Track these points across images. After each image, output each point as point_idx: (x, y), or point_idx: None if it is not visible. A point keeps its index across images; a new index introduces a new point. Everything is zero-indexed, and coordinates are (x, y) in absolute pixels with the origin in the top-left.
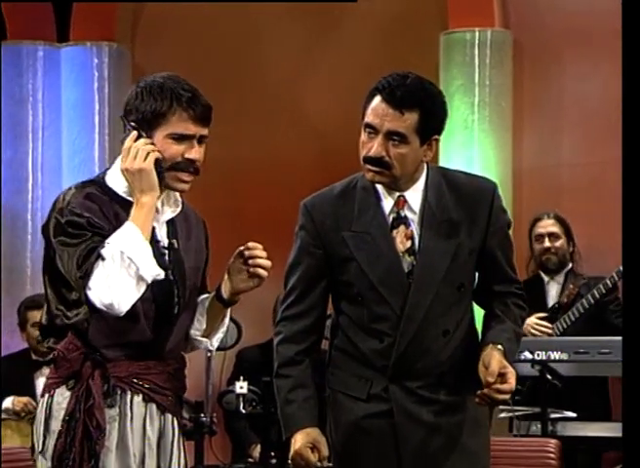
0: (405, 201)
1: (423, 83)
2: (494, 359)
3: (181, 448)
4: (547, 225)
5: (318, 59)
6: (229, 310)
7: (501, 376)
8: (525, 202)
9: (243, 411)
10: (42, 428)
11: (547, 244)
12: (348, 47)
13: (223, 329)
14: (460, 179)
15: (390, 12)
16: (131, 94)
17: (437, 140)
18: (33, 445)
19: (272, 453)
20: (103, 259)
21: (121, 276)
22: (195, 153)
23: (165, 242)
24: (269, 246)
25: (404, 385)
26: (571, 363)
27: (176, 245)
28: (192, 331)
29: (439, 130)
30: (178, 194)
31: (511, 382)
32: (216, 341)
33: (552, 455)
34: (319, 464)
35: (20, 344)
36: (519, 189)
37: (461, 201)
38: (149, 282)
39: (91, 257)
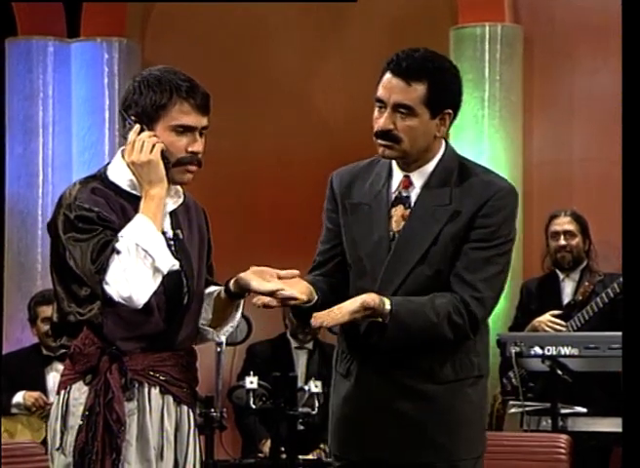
0: (410, 182)
1: (434, 56)
2: (359, 299)
3: (197, 440)
4: (563, 223)
5: (328, 56)
6: (242, 305)
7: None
8: (535, 197)
9: (253, 406)
10: (59, 424)
11: (563, 242)
12: (358, 43)
13: (233, 323)
14: (475, 172)
15: (400, 7)
16: (128, 88)
17: (450, 115)
18: (45, 440)
19: (282, 448)
20: (119, 253)
21: (138, 268)
22: (198, 146)
23: (170, 233)
24: (279, 240)
25: (375, 363)
26: (581, 358)
27: (180, 235)
28: (199, 322)
29: (452, 104)
30: (178, 185)
31: (328, 314)
32: (223, 334)
33: (563, 451)
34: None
35: (31, 339)
36: (529, 184)
37: (464, 191)
38: (165, 273)
39: (105, 252)
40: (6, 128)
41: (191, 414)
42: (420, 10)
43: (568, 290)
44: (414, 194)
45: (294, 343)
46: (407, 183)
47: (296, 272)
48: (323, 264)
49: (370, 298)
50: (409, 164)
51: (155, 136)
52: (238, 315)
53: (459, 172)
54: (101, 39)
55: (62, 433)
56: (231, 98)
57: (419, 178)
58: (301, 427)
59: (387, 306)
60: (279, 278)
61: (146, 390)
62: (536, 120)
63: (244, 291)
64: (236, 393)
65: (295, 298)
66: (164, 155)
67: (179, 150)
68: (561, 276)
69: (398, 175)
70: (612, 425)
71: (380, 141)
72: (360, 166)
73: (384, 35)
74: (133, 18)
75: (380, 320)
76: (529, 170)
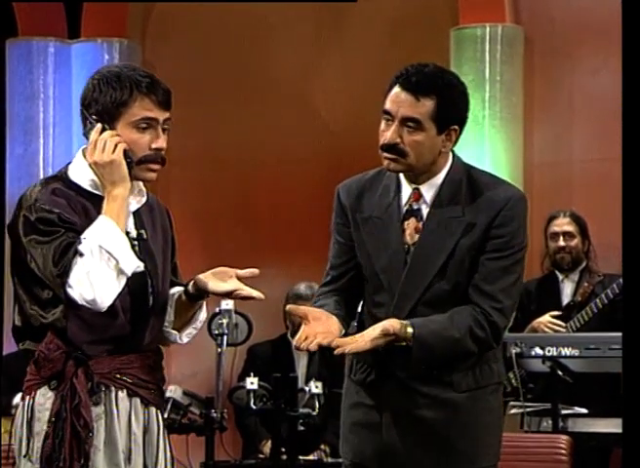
0: (420, 195)
1: (443, 72)
2: (379, 326)
3: (167, 441)
4: (562, 224)
5: (328, 56)
6: (204, 306)
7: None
8: (536, 198)
9: (254, 407)
10: (25, 431)
11: (562, 243)
12: (358, 43)
13: (196, 324)
14: (483, 182)
15: (401, 8)
16: (87, 87)
17: (456, 131)
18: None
19: (283, 449)
20: (82, 255)
21: (102, 271)
22: (162, 142)
23: (134, 233)
24: (279, 242)
25: (394, 374)
26: (582, 359)
27: (144, 235)
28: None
29: (459, 120)
30: (141, 184)
31: (352, 341)
32: (186, 337)
33: (563, 451)
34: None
35: None
36: (530, 185)
37: (475, 202)
38: (129, 275)
39: (68, 254)
40: (6, 128)
41: (160, 416)
42: (421, 10)
43: (567, 290)
44: (424, 207)
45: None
46: (417, 196)
47: (255, 271)
48: (337, 279)
49: (389, 325)
50: (417, 176)
51: (117, 135)
52: (201, 317)
53: (467, 182)
54: (102, 40)
55: (29, 439)
56: (231, 98)
57: (428, 191)
58: (302, 428)
59: (409, 329)
60: (238, 278)
61: (113, 394)
62: (536, 120)
63: (202, 292)
64: (237, 394)
65: (253, 297)
66: (126, 154)
67: (142, 148)
68: (560, 277)
69: (407, 188)
70: (612, 426)
71: (385, 155)
72: (366, 178)
73: (385, 36)
74: (133, 18)
75: (404, 343)
76: (529, 170)
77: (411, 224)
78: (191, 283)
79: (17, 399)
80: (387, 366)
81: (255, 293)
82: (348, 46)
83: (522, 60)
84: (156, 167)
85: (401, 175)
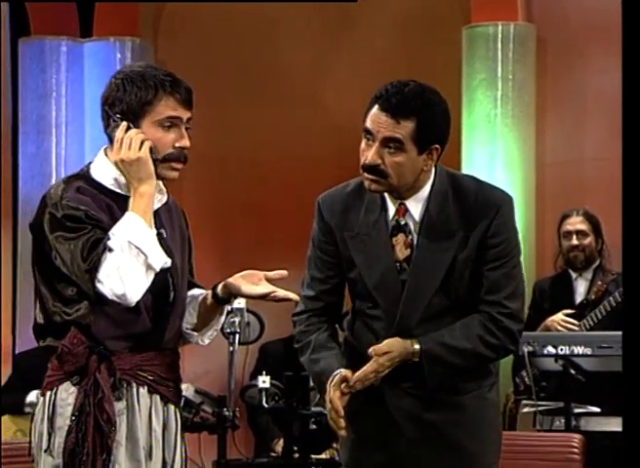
0: (406, 209)
1: (423, 91)
2: (388, 343)
3: (183, 440)
4: (575, 223)
5: (339, 55)
6: (225, 309)
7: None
8: (548, 196)
9: (266, 406)
10: (46, 426)
11: (575, 242)
12: (369, 42)
13: (218, 326)
14: (468, 189)
15: (412, 5)
16: (110, 86)
17: (438, 150)
18: (30, 442)
19: (295, 448)
20: (111, 251)
21: (131, 266)
22: (186, 141)
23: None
24: (290, 241)
25: (397, 384)
26: (595, 357)
27: (164, 234)
28: (183, 324)
29: (440, 139)
30: (161, 183)
31: (368, 367)
32: (207, 338)
33: (576, 450)
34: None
35: None
36: (542, 184)
37: (465, 212)
38: (158, 270)
39: (96, 249)
40: (19, 127)
41: (178, 414)
42: (432, 9)
43: (581, 289)
44: (411, 221)
45: None
46: (403, 211)
47: (284, 272)
48: (324, 294)
49: (390, 346)
50: (400, 193)
51: (142, 133)
52: (222, 319)
53: (453, 192)
54: (114, 39)
55: (50, 434)
56: (242, 97)
57: (415, 206)
58: (314, 426)
59: (416, 345)
60: (267, 279)
61: (135, 390)
62: (548, 119)
63: (232, 295)
64: (249, 392)
65: (290, 299)
66: (152, 152)
67: (166, 146)
68: (574, 275)
69: (392, 203)
70: None
71: (366, 175)
72: (348, 192)
73: (396, 35)
74: (145, 17)
75: (417, 360)
76: (542, 169)
77: (400, 240)
78: (220, 286)
79: (30, 397)
80: (390, 377)
81: (291, 295)
82: (359, 44)
83: (534, 59)
84: (179, 165)
85: None
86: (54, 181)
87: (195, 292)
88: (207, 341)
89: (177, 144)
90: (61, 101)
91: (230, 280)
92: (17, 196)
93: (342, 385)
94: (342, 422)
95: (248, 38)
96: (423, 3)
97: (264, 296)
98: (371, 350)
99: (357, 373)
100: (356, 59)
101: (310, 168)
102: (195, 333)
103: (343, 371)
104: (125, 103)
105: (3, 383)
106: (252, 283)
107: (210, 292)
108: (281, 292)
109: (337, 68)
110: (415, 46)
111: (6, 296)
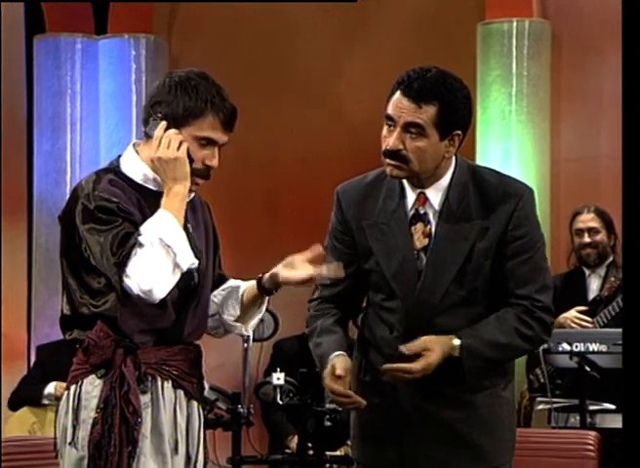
0: (426, 198)
1: (445, 76)
2: (426, 341)
3: (205, 436)
4: (587, 220)
5: (354, 54)
6: (267, 298)
7: (417, 356)
8: (563, 193)
9: (280, 403)
10: (70, 418)
11: (587, 239)
12: (384, 40)
13: (260, 316)
14: (489, 181)
15: (426, 3)
16: (162, 86)
17: (459, 136)
18: (55, 436)
19: (309, 444)
20: (142, 246)
21: (160, 263)
22: (216, 162)
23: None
24: (304, 236)
25: (410, 381)
26: (609, 354)
27: (190, 230)
28: (226, 317)
29: (461, 125)
30: None
31: (417, 365)
32: (250, 328)
33: (591, 448)
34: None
35: (59, 334)
36: (557, 180)
37: (485, 204)
38: (185, 270)
39: (127, 243)
40: (34, 124)
41: (201, 410)
42: (447, 6)
43: (594, 286)
44: (431, 211)
45: None
46: (423, 200)
47: (318, 247)
48: (338, 283)
49: (433, 342)
50: (421, 180)
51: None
52: (263, 309)
53: (473, 182)
54: (129, 36)
55: (74, 427)
56: (257, 95)
57: (435, 195)
58: (328, 423)
59: (455, 341)
60: (309, 262)
61: (159, 384)
62: (563, 116)
63: (279, 286)
64: (263, 389)
65: (340, 277)
66: (189, 154)
67: (196, 161)
68: (587, 272)
69: (411, 192)
70: None
71: (388, 161)
72: (367, 182)
73: (410, 32)
74: (160, 14)
75: (457, 355)
76: (556, 166)
77: (418, 229)
78: (266, 277)
79: (48, 388)
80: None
81: (340, 272)
82: (373, 42)
83: (549, 55)
84: (201, 182)
85: (404, 180)
86: (68, 178)
87: (233, 283)
88: (250, 332)
89: (207, 162)
90: (76, 99)
91: (276, 271)
92: (32, 193)
93: (337, 371)
94: (352, 398)
95: (263, 36)
96: (438, 0)
97: (305, 282)
98: (402, 348)
99: (401, 365)
100: (371, 58)
101: (325, 166)
102: (239, 324)
103: (334, 359)
104: (170, 108)
105: (22, 376)
106: (294, 268)
107: (254, 283)
108: (328, 272)
109: (352, 67)
110: (429, 43)
111: (20, 293)
